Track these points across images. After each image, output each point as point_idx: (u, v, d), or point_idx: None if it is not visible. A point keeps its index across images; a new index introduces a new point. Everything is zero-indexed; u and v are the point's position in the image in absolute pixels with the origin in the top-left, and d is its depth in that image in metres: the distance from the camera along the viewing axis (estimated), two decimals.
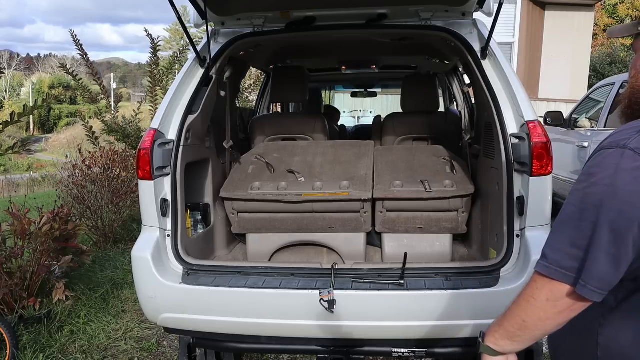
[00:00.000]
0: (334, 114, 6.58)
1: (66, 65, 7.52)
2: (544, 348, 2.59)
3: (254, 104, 6.02)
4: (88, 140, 6.90)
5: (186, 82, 2.81)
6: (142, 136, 2.98)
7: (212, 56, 2.89)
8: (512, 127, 2.48)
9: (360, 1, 2.89)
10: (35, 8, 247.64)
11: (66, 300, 4.22)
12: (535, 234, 2.39)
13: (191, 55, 2.94)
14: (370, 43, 3.65)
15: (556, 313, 1.19)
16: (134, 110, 7.39)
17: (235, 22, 3.01)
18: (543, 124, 3.85)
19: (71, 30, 6.82)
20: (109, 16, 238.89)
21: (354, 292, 2.35)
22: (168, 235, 2.59)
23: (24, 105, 4.36)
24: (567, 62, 12.88)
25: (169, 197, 2.60)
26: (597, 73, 16.29)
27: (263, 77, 6.31)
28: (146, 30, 7.07)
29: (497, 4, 2.53)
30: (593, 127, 6.25)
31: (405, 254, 2.51)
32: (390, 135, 3.91)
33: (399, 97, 3.99)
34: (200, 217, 3.08)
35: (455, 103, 5.32)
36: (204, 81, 2.87)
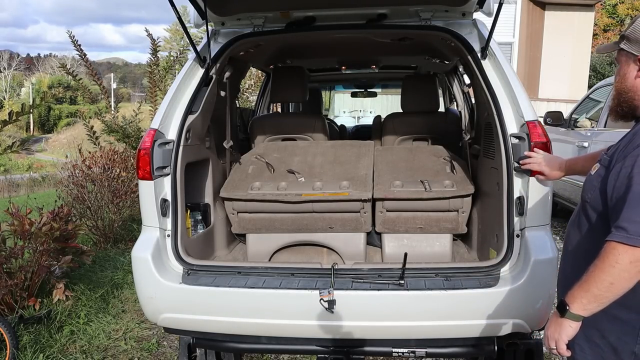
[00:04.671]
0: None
1: (66, 65, 7.52)
2: (544, 348, 2.59)
3: (254, 104, 6.01)
4: (89, 139, 6.90)
5: (186, 82, 2.81)
6: (142, 136, 2.98)
7: (212, 56, 2.89)
8: (512, 127, 2.48)
9: (360, 1, 2.89)
10: (38, 8, 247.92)
11: (66, 300, 4.23)
12: (535, 234, 2.39)
13: (191, 55, 2.94)
14: (370, 43, 3.65)
15: (637, 272, 1.47)
16: (134, 110, 7.39)
17: (235, 22, 3.01)
18: (543, 124, 3.85)
19: (69, 31, 6.81)
20: (111, 16, 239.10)
21: (354, 292, 2.35)
22: (168, 235, 2.59)
23: (22, 104, 4.37)
24: (567, 62, 12.87)
25: (169, 197, 2.60)
26: (597, 73, 16.29)
27: (263, 77, 6.29)
28: (147, 30, 7.07)
29: (497, 4, 2.53)
30: (593, 127, 6.24)
31: (405, 254, 2.50)
32: (390, 135, 3.91)
33: (399, 97, 3.99)
34: (200, 217, 3.07)
35: (455, 103, 5.32)
36: (204, 81, 2.86)
